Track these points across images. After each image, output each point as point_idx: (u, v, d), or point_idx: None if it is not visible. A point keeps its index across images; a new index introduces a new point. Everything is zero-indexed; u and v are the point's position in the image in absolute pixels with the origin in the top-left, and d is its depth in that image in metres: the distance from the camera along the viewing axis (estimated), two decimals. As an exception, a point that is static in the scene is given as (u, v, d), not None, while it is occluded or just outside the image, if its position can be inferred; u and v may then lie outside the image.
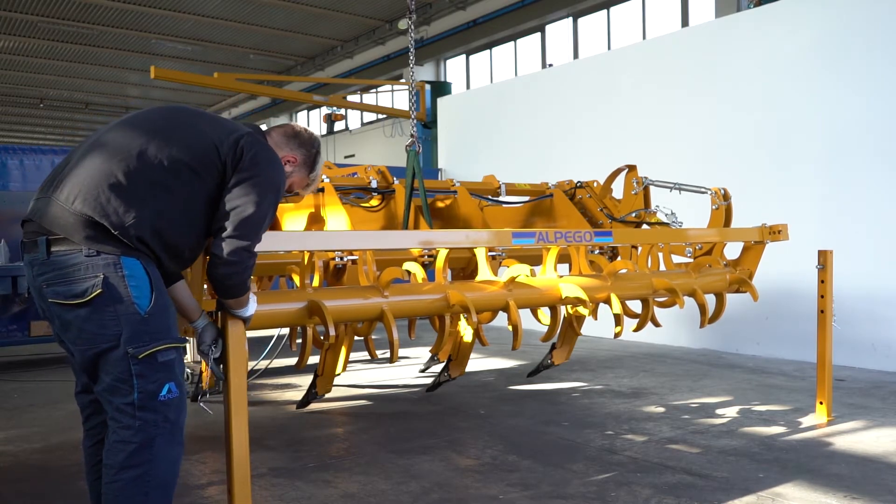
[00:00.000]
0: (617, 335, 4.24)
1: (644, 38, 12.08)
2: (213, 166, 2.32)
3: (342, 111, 19.92)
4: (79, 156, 2.29)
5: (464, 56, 16.44)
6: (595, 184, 5.47)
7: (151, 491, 2.20)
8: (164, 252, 2.31)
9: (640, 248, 4.69)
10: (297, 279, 3.59)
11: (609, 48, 12.69)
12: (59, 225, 2.18)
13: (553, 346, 5.32)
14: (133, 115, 2.44)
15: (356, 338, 4.66)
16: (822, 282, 4.42)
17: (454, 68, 16.80)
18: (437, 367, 6.08)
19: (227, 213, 2.32)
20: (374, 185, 4.89)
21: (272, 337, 5.90)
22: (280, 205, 4.79)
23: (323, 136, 22.10)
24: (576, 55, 13.57)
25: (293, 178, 2.67)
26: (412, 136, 4.75)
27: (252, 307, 2.57)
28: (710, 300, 4.56)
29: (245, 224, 2.32)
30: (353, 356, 5.74)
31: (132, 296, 2.20)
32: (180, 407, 2.31)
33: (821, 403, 4.51)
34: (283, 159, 2.58)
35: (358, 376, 6.15)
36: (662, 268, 4.84)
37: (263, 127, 2.67)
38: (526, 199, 5.60)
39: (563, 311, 4.41)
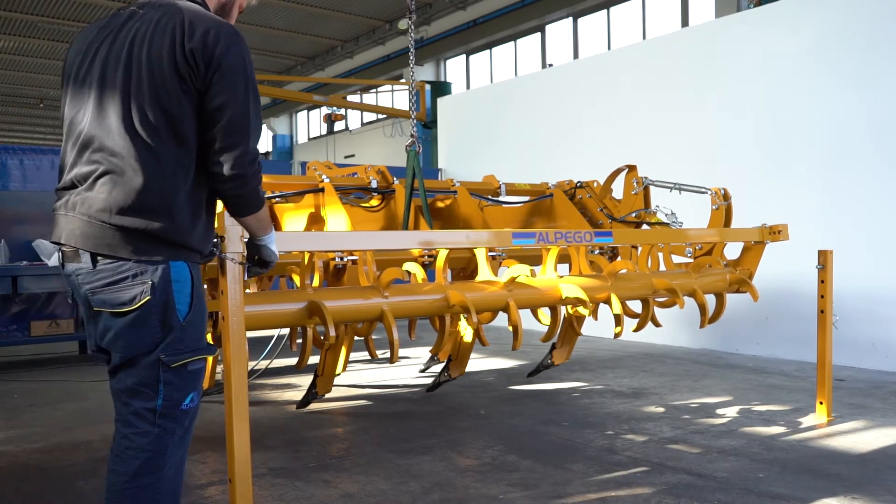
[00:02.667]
0: (617, 335, 4.24)
1: (644, 38, 12.10)
2: (190, 97, 2.12)
3: (342, 111, 19.94)
4: (83, 160, 2.12)
5: (464, 56, 16.45)
6: (595, 184, 5.47)
7: (161, 497, 2.18)
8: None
9: (640, 249, 4.69)
10: (297, 279, 3.59)
11: (609, 48, 12.71)
12: (105, 244, 2.07)
13: (553, 347, 5.32)
14: (98, 89, 2.13)
15: (356, 338, 4.66)
16: (822, 282, 4.42)
17: (454, 68, 16.81)
18: (437, 367, 6.07)
19: (209, 123, 2.15)
20: (374, 185, 4.89)
21: (272, 337, 5.90)
22: (280, 205, 4.82)
23: (323, 136, 22.12)
24: (576, 55, 13.59)
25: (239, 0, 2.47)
26: (412, 136, 4.75)
27: (273, 235, 2.48)
28: (711, 300, 4.57)
29: (230, 131, 2.15)
30: (353, 356, 5.74)
31: (175, 301, 2.14)
32: (196, 414, 2.29)
33: (821, 403, 4.51)
34: None
35: (358, 376, 6.15)
36: (662, 268, 4.85)
37: None
38: (526, 199, 5.60)
39: (563, 311, 4.41)
